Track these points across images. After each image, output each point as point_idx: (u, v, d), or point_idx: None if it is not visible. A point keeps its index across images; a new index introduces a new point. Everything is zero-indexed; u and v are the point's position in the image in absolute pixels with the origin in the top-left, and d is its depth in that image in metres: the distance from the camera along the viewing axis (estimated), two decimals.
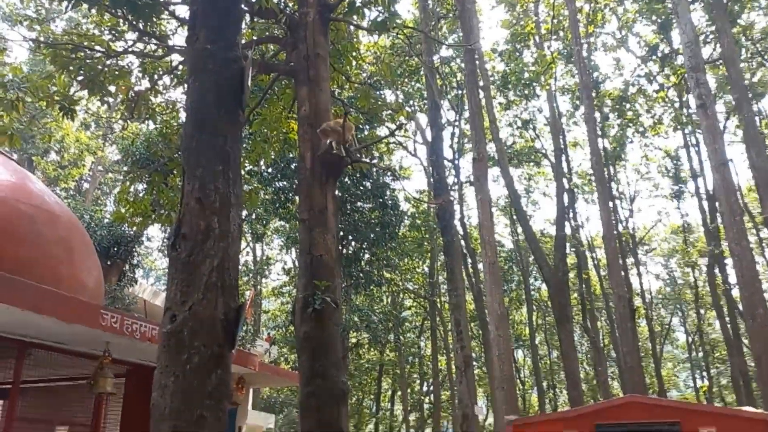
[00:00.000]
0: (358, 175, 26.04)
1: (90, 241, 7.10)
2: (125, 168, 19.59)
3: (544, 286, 40.21)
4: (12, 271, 4.78)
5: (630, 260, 34.20)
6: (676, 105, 30.50)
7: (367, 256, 30.49)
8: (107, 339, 5.38)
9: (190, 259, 3.70)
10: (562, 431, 6.91)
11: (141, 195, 8.81)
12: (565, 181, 29.12)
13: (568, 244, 30.97)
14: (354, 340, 28.55)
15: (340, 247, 28.41)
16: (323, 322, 7.33)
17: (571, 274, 36.15)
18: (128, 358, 6.11)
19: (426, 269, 41.94)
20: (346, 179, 25.32)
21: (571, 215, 31.09)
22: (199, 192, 3.83)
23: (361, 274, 28.62)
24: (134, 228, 21.00)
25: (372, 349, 44.30)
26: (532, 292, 43.93)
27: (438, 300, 39.82)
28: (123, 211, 8.11)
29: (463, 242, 31.68)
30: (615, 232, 22.17)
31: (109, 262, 16.78)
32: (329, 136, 7.02)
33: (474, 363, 35.21)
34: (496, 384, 16.09)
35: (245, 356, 7.45)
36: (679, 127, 30.62)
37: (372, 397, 48.86)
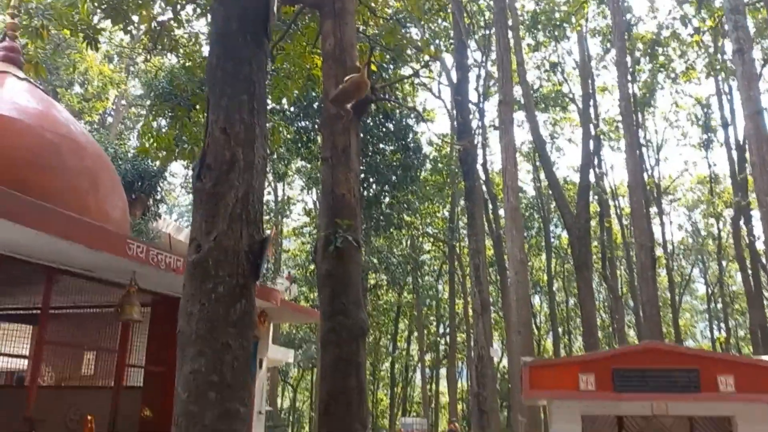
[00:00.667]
0: (381, 117, 25.74)
1: (115, 173, 7.15)
2: (148, 102, 19.54)
3: (564, 234, 40.07)
4: (39, 200, 4.83)
5: (653, 210, 33.82)
6: (711, 50, 29.42)
7: (387, 198, 30.53)
8: (133, 268, 5.47)
9: (214, 189, 3.69)
10: (579, 374, 6.97)
11: (164, 130, 8.79)
12: (591, 127, 28.53)
13: (591, 192, 30.66)
14: (373, 281, 28.85)
15: (361, 189, 28.42)
16: (344, 260, 7.37)
17: (593, 223, 35.94)
18: (154, 288, 6.22)
19: (446, 214, 41.99)
20: (369, 120, 25.05)
21: (595, 162, 30.61)
22: (223, 122, 3.79)
23: (381, 217, 28.71)
24: (158, 162, 21.14)
25: (390, 291, 44.90)
26: (552, 240, 43.87)
27: (457, 245, 39.96)
28: (146, 144, 8.11)
29: (484, 187, 31.51)
30: (640, 180, 21.79)
31: (133, 196, 16.97)
32: (352, 97, 6.83)
33: (491, 308, 35.63)
34: (513, 328, 16.25)
35: (267, 291, 7.56)
36: (712, 73, 29.61)
37: (389, 336, 49.88)
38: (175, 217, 39.32)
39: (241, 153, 3.76)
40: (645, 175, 31.55)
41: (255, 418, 15.69)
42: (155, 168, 20.32)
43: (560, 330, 45.13)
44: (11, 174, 5.04)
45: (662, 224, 37.46)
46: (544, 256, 44.50)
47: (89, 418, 5.59)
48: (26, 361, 8.59)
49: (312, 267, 37.04)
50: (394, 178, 28.39)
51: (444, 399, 49.19)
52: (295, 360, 39.37)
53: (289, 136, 24.01)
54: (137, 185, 18.90)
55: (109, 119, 30.39)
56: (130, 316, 5.48)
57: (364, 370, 7.21)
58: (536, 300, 53.26)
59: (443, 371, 48.46)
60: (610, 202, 36.57)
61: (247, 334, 3.58)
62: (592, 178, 28.53)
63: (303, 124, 24.80)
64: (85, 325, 7.63)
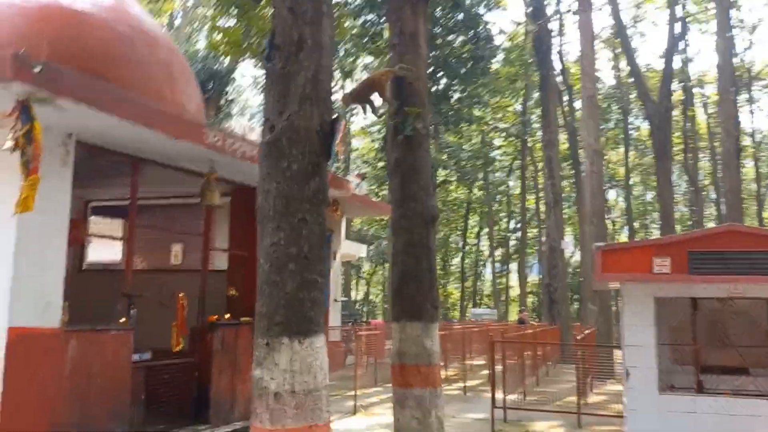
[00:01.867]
0: (449, 6, 24.67)
1: (188, 66, 7.29)
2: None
3: (644, 125, 38.33)
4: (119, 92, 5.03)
5: (742, 96, 31.62)
6: None
7: (457, 93, 29.81)
8: (212, 157, 5.69)
9: (284, 70, 3.72)
10: (653, 258, 6.89)
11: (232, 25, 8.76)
12: (678, 8, 26.41)
13: (674, 79, 28.83)
14: (442, 177, 28.82)
15: (430, 83, 27.83)
16: (413, 148, 7.39)
17: (675, 112, 34.05)
18: (232, 177, 6.48)
19: (519, 107, 40.82)
20: (437, 10, 24.09)
21: (680, 47, 28.57)
22: (290, 1, 3.76)
23: (450, 112, 28.20)
24: (227, 61, 21.28)
25: (460, 187, 44.93)
26: (631, 132, 42.13)
27: (529, 139, 39.04)
28: (216, 38, 8.15)
29: (560, 78, 30.19)
30: (730, 62, 20.23)
31: (205, 97, 17.38)
32: None
33: (563, 203, 35.09)
34: (586, 219, 16.06)
35: (339, 180, 7.74)
36: None
37: (459, 233, 50.44)
38: (246, 119, 40.06)
39: (308, 32, 3.75)
40: (736, 59, 29.30)
41: (331, 305, 16.56)
42: (225, 68, 20.54)
43: (636, 225, 44.17)
44: (91, 67, 5.22)
45: (751, 112, 35.14)
46: (621, 149, 42.95)
47: (181, 295, 6.08)
48: (120, 250, 9.32)
49: (381, 165, 37.34)
50: (463, 71, 27.57)
51: (513, 292, 50.08)
52: (367, 255, 40.68)
53: (354, 31, 23.46)
54: (208, 86, 19.25)
55: (177, 21, 30.55)
56: (211, 201, 5.77)
57: (434, 254, 7.39)
58: (612, 194, 52.08)
59: (513, 266, 49.05)
60: (695, 90, 34.42)
61: (321, 210, 3.72)
62: (676, 64, 26.76)
63: (369, 16, 24.11)
64: (171, 216, 8.11)
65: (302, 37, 3.73)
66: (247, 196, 6.93)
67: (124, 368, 5.18)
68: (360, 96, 6.62)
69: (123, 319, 5.27)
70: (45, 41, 5.14)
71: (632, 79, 26.86)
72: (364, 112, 6.58)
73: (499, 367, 9.55)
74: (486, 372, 13.83)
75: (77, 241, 6.90)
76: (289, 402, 3.48)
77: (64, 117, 4.51)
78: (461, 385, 13.05)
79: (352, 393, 10.68)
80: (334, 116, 3.87)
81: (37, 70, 4.02)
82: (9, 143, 4.02)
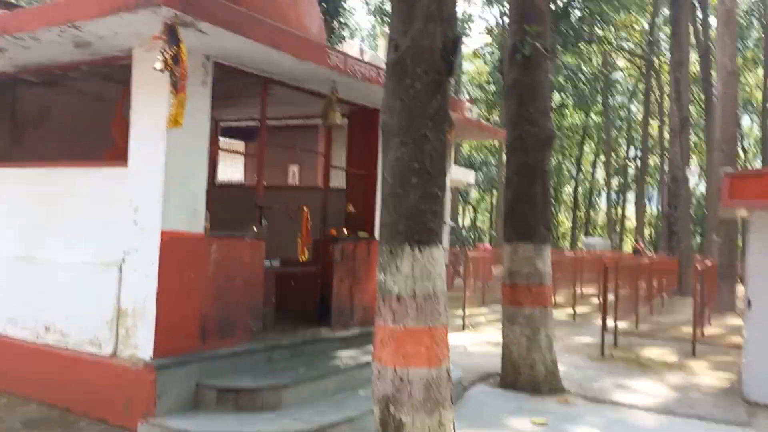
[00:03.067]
0: None
1: None
2: None
3: None
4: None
5: None
6: None
7: (577, 11, 28.12)
8: (333, 78, 5.91)
9: None
10: None
11: None
12: None
13: None
14: (558, 101, 27.72)
15: (549, 1, 26.41)
16: (532, 68, 7.28)
17: None
18: (351, 99, 6.70)
19: (646, 25, 37.92)
20: None
21: None
22: None
23: (570, 31, 26.77)
24: None
25: (576, 112, 43.03)
26: None
27: (656, 60, 36.36)
28: None
29: None
30: None
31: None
32: None
33: (690, 130, 32.79)
34: (716, 145, 15.06)
35: (454, 101, 7.76)
36: None
37: (573, 160, 48.69)
38: (357, 41, 40.11)
39: None
40: None
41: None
42: None
43: None
44: None
45: None
46: (760, 71, 39.08)
47: (305, 208, 6.51)
48: (244, 170, 9.96)
49: (492, 88, 36.37)
50: None
51: (629, 223, 48.21)
52: (475, 182, 40.45)
53: None
54: (322, 7, 19.41)
55: None
56: (333, 121, 6.03)
57: (549, 177, 7.37)
58: (746, 121, 47.92)
59: (630, 196, 46.98)
60: None
61: (442, 127, 3.87)
62: None
63: None
64: (291, 137, 8.55)
65: None
66: (366, 118, 7.17)
67: (257, 272, 5.72)
68: None
69: (255, 229, 5.76)
70: None
71: None
72: None
73: (610, 295, 9.51)
74: (596, 301, 13.76)
75: (211, 157, 7.50)
76: (410, 304, 3.77)
77: (204, 40, 4.85)
78: (570, 311, 13.11)
79: (461, 312, 11.07)
80: (458, 34, 3.93)
81: None
82: (159, 64, 4.42)
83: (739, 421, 6.08)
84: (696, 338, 9.20)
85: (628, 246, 40.78)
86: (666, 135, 30.12)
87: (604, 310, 8.96)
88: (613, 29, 36.82)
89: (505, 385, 7.01)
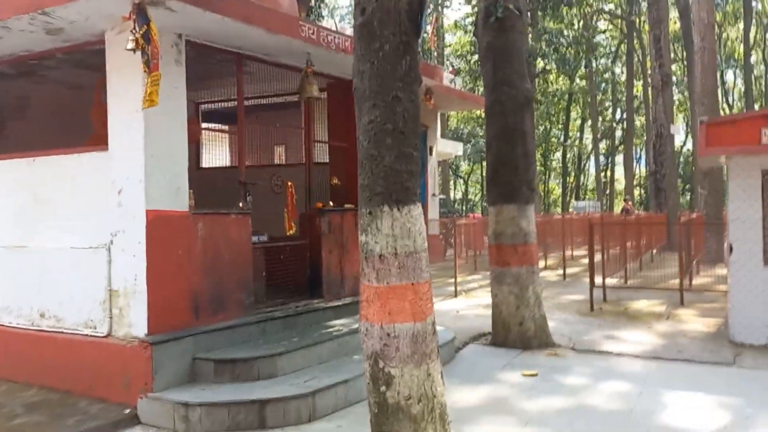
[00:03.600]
0: None
1: None
2: None
3: None
4: None
5: None
6: None
7: None
8: (308, 50, 5.94)
9: None
10: (762, 128, 6.59)
11: None
12: None
13: None
14: (540, 67, 27.64)
15: None
16: (505, 30, 7.32)
17: None
18: (328, 71, 6.73)
19: None
20: None
21: None
22: None
23: None
24: None
25: (560, 77, 42.96)
26: (754, 3, 38.09)
27: (637, 20, 36.28)
28: None
29: None
30: None
31: None
32: None
33: (674, 88, 32.82)
34: (698, 100, 15.16)
35: (431, 68, 7.81)
36: None
37: (560, 126, 48.74)
38: (337, 20, 39.81)
39: None
40: None
41: (429, 200, 16.97)
42: None
43: (756, 107, 40.74)
44: None
45: None
46: (741, 25, 39.09)
47: (289, 183, 6.59)
48: (229, 153, 9.99)
49: (475, 59, 36.21)
50: None
51: (619, 186, 48.45)
52: (464, 154, 40.42)
53: None
54: None
55: None
56: (310, 93, 6.08)
57: (531, 138, 7.45)
58: (729, 75, 48.04)
59: (619, 158, 47.15)
60: None
61: (413, 87, 3.92)
62: None
63: None
64: (274, 115, 8.58)
65: None
66: (343, 89, 7.18)
67: (245, 247, 5.81)
68: None
69: (241, 205, 5.84)
70: None
71: None
72: None
73: (598, 253, 9.65)
74: (586, 261, 13.94)
75: (193, 139, 7.52)
76: (392, 262, 3.86)
77: (174, 18, 4.87)
78: (560, 272, 13.29)
79: (453, 280, 11.21)
80: None
81: None
82: (130, 44, 4.45)
83: (725, 361, 6.26)
84: (684, 288, 9.38)
85: (618, 207, 41.02)
86: (651, 93, 30.10)
87: (591, 265, 9.11)
88: None
89: (497, 343, 7.17)
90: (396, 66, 3.85)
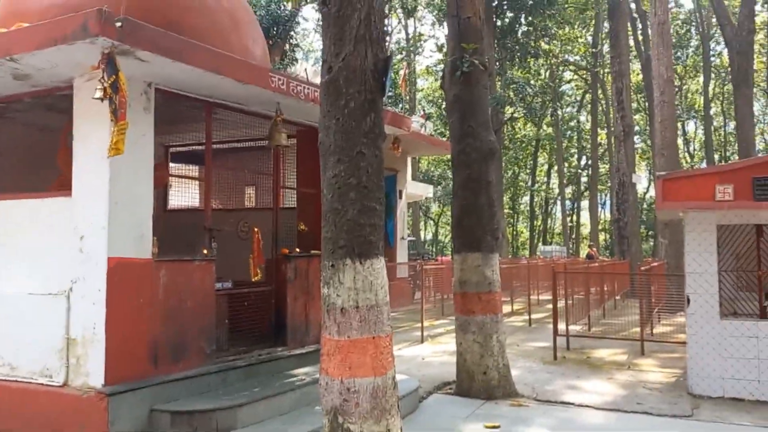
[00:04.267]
0: None
1: (251, 11, 7.58)
2: None
3: (726, 51, 36.06)
4: (190, 39, 5.40)
5: None
6: None
7: (523, 26, 28.93)
8: (278, 100, 6.04)
9: (339, 13, 3.98)
10: (716, 185, 6.84)
11: None
12: None
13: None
14: (509, 115, 28.31)
15: (494, 18, 27.16)
16: (471, 84, 7.54)
17: (760, 35, 31.92)
18: (297, 119, 6.83)
19: (589, 38, 39.24)
20: None
21: None
22: None
23: (516, 46, 27.52)
24: (290, 5, 21.49)
25: (528, 124, 44.04)
26: (712, 58, 39.81)
27: (601, 71, 37.61)
28: None
29: (633, 5, 28.72)
30: None
31: (270, 42, 17.73)
32: None
33: (637, 136, 33.83)
34: (658, 151, 15.67)
35: (399, 118, 7.97)
36: None
37: (528, 171, 49.72)
38: (311, 63, 40.36)
39: None
40: None
41: (399, 243, 17.06)
42: (288, 13, 20.77)
43: (716, 157, 42.16)
44: (164, 18, 5.60)
45: None
46: (701, 78, 40.73)
47: (256, 229, 6.59)
48: (198, 194, 9.96)
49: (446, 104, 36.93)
50: (530, 2, 26.73)
51: (586, 230, 49.34)
52: (434, 196, 40.86)
53: None
54: (273, 31, 19.58)
55: None
56: (279, 141, 6.15)
57: (494, 188, 7.62)
58: (691, 126, 49.77)
59: (585, 203, 48.16)
60: None
61: (377, 143, 4.03)
62: None
63: None
64: (244, 159, 8.61)
65: None
66: (312, 137, 7.24)
67: (208, 294, 5.76)
68: None
69: (205, 251, 5.82)
70: None
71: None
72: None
73: (562, 299, 9.80)
74: (552, 306, 14.09)
75: (161, 183, 7.51)
76: (353, 316, 3.89)
77: (144, 67, 4.93)
78: (526, 317, 13.38)
79: (421, 324, 11.21)
80: (387, 54, 4.11)
81: (118, 25, 4.43)
82: (98, 93, 4.48)
83: (684, 413, 6.35)
84: (644, 337, 9.54)
85: (584, 252, 41.69)
86: (614, 144, 31.01)
87: (554, 314, 9.22)
88: (559, 43, 38.03)
89: (461, 392, 7.16)
90: (361, 122, 3.96)
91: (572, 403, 6.72)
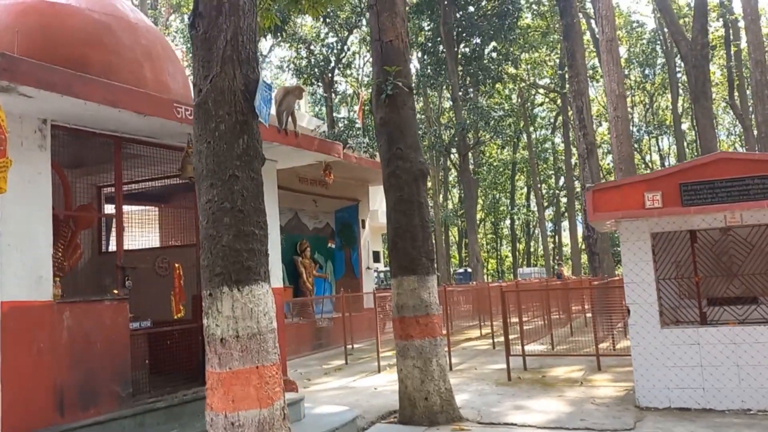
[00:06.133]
0: None
1: (171, 48, 7.52)
2: None
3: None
4: (98, 76, 5.31)
5: None
6: None
7: (488, 52, 29.27)
8: (188, 131, 5.93)
9: (206, 35, 3.90)
10: (645, 193, 6.78)
11: None
12: None
13: (714, 14, 27.55)
14: (473, 139, 28.37)
15: (457, 46, 27.46)
16: (397, 106, 7.49)
17: (722, 51, 32.58)
18: None
19: (557, 61, 39.81)
20: None
21: None
22: None
23: (479, 71, 27.79)
24: None
25: (505, 148, 44.35)
26: (679, 75, 40.45)
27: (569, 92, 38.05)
28: None
29: (594, 24, 29.21)
30: None
31: None
32: None
33: (610, 155, 34.04)
34: (615, 165, 15.71)
35: (328, 145, 7.88)
36: None
37: (507, 195, 49.88)
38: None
39: None
40: None
41: (364, 273, 16.85)
42: None
43: None
44: (67, 54, 5.53)
45: None
46: (670, 95, 41.32)
47: (177, 265, 6.41)
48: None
49: None
50: (491, 30, 27.09)
51: (569, 250, 49.34)
52: None
53: None
54: None
55: None
56: (191, 173, 6.01)
57: (427, 209, 7.50)
58: (665, 143, 50.34)
59: (566, 224, 48.27)
60: (742, 24, 32.63)
61: (253, 166, 3.90)
62: None
63: None
64: (161, 196, 8.42)
65: (221, 1, 3.89)
66: None
67: (122, 335, 5.55)
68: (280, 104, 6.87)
69: (116, 291, 5.63)
70: (19, 32, 5.47)
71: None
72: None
73: (516, 318, 9.63)
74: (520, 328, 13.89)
75: (88, 224, 7.33)
76: (234, 346, 3.72)
77: (33, 103, 4.81)
78: (492, 341, 13.17)
79: (383, 354, 10.99)
80: (258, 75, 4.01)
81: None
82: None
83: (625, 427, 6.17)
84: (600, 353, 9.36)
85: (567, 272, 41.60)
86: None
87: (506, 335, 9.04)
88: (527, 67, 38.55)
89: (404, 420, 6.93)
90: (233, 145, 3.84)
91: (515, 424, 6.52)
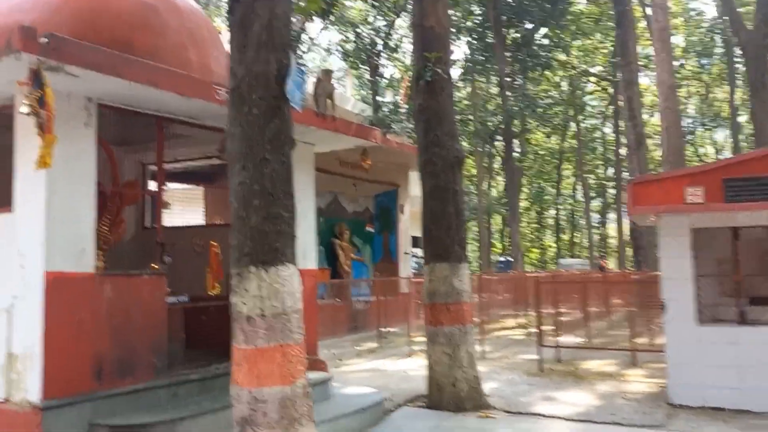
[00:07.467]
0: None
1: (215, 31, 7.66)
2: None
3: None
4: (143, 57, 5.47)
5: None
6: None
7: (538, 38, 28.74)
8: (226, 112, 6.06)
9: (242, 21, 3.98)
10: (686, 187, 6.60)
11: None
12: None
13: None
14: (519, 127, 27.94)
15: (506, 31, 27.04)
16: (435, 93, 7.47)
17: None
18: None
19: (611, 48, 38.75)
20: None
21: None
22: None
23: (528, 58, 27.32)
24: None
25: (552, 136, 43.59)
26: (738, 65, 38.89)
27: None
28: None
29: (648, 11, 28.32)
30: None
31: None
32: None
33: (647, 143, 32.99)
34: (664, 158, 15.31)
35: (366, 130, 7.92)
36: None
37: (553, 184, 49.06)
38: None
39: None
40: None
41: (402, 257, 16.92)
42: (295, 32, 21.00)
43: None
44: (114, 37, 5.71)
45: None
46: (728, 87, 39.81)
47: (214, 243, 6.59)
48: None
49: None
50: (542, 15, 26.57)
51: (615, 242, 48.35)
52: None
53: None
54: None
55: None
56: None
57: (461, 197, 7.50)
58: (719, 135, 48.61)
59: (612, 215, 47.23)
60: None
61: (284, 150, 3.98)
62: None
63: None
64: (207, 175, 8.63)
65: None
66: None
67: (159, 309, 5.76)
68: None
69: (155, 266, 5.84)
70: (68, 14, 5.68)
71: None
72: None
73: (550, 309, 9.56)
74: (562, 319, 13.74)
75: (133, 200, 7.60)
76: (259, 324, 3.83)
77: (79, 82, 5.00)
78: (529, 331, 13.09)
79: (415, 339, 11.08)
80: (291, 59, 4.07)
81: (44, 41, 4.50)
82: (25, 108, 4.55)
83: (655, 424, 6.09)
84: (640, 348, 9.22)
85: (611, 264, 40.86)
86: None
87: (539, 326, 8.99)
88: (580, 54, 37.66)
89: (431, 404, 7.00)
90: (264, 129, 3.92)
91: (542, 415, 6.51)
